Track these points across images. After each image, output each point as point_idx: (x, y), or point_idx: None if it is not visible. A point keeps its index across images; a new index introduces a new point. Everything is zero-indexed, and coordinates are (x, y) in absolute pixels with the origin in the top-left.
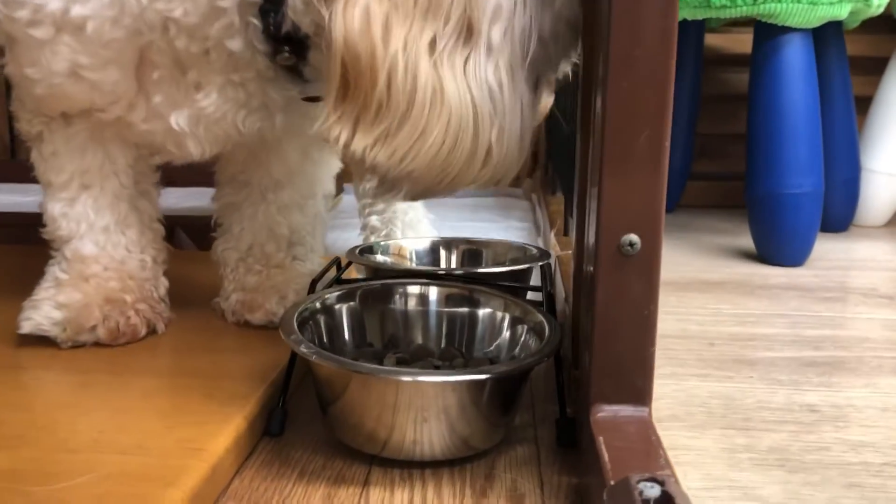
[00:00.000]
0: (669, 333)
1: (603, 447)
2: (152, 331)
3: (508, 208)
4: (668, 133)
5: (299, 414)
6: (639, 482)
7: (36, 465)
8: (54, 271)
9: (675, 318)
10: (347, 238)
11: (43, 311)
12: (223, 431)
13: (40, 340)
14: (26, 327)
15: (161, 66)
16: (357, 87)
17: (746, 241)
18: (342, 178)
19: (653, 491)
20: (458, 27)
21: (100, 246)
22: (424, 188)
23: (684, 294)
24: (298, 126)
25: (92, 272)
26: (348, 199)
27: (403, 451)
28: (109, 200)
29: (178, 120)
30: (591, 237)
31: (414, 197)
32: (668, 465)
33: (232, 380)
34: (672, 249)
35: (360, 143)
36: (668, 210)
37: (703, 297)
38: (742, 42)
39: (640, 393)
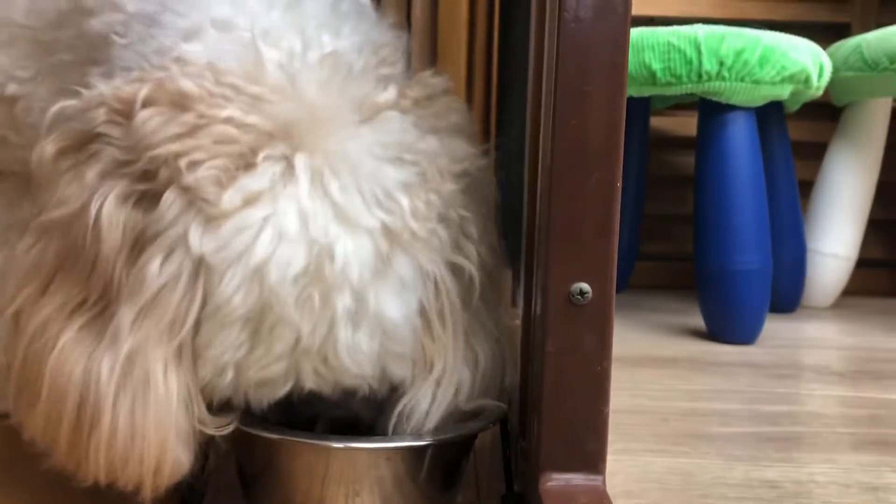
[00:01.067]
0: (622, 409)
1: None
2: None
3: None
4: (619, 174)
5: (219, 491)
6: None
7: None
8: None
9: (627, 393)
10: None
11: None
12: None
13: None
14: None
15: None
16: None
17: (697, 321)
18: None
19: None
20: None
21: None
22: None
23: (636, 370)
24: None
25: None
26: None
27: None
28: None
29: None
30: (538, 293)
31: None
32: None
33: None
34: (622, 327)
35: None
36: (617, 290)
37: (655, 372)
38: (687, 124)
39: (592, 459)
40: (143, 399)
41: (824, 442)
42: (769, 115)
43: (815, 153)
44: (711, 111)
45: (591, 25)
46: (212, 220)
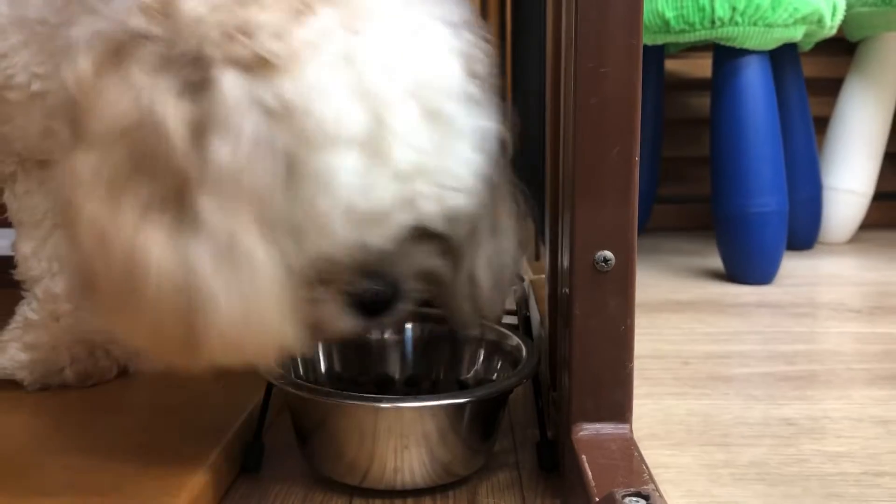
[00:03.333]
0: (643, 353)
1: (586, 465)
2: (124, 371)
3: None
4: (638, 148)
5: (276, 447)
6: (624, 497)
7: None
8: (24, 311)
9: (648, 338)
10: None
11: (9, 354)
12: (200, 469)
13: (6, 384)
14: None
15: None
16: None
17: (715, 262)
18: None
19: None
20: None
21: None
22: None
23: (656, 315)
24: None
25: (63, 311)
26: None
27: (384, 481)
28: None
29: None
30: (565, 257)
31: None
32: (651, 480)
33: (207, 415)
34: (642, 271)
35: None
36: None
37: (675, 317)
38: (701, 66)
39: (620, 409)
40: (249, 281)
41: (838, 379)
42: (783, 57)
43: (830, 89)
44: (725, 56)
45: (607, 8)
46: (281, 71)
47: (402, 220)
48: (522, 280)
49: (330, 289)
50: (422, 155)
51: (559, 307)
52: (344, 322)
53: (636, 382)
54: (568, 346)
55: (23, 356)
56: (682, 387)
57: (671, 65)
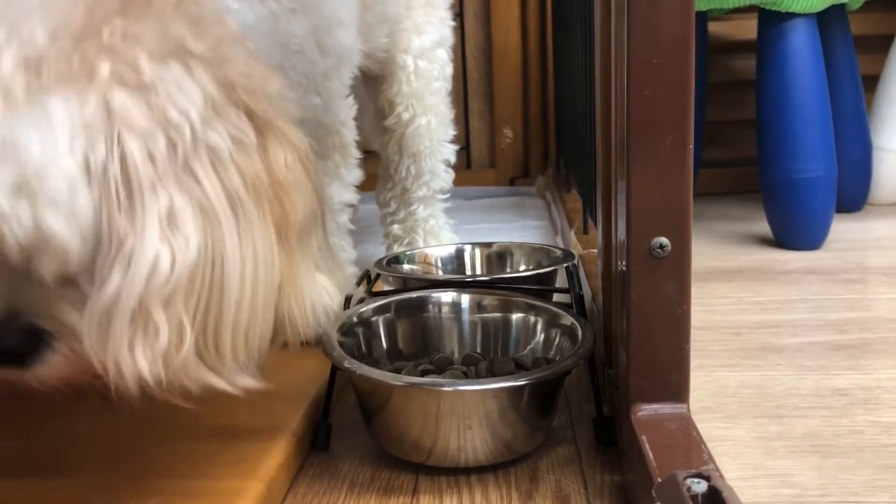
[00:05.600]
0: (694, 325)
1: (646, 445)
2: None
3: (522, 207)
4: (692, 136)
5: (342, 426)
6: (685, 478)
7: (100, 493)
8: None
9: (698, 308)
10: (371, 247)
11: None
12: (273, 449)
13: None
14: None
15: None
16: None
17: (762, 227)
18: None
19: (700, 486)
20: None
21: None
22: None
23: (705, 284)
24: None
25: None
26: (369, 209)
27: (448, 458)
28: None
29: None
30: (619, 238)
31: None
32: (711, 459)
33: (275, 397)
34: None
35: None
36: None
37: (724, 286)
38: (745, 28)
39: (677, 390)
40: None
41: (892, 347)
42: (830, 17)
43: (879, 46)
44: (771, 20)
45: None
46: None
47: None
48: (571, 256)
49: None
50: None
51: (614, 286)
52: None
53: None
54: (625, 328)
55: None
56: (733, 358)
57: (714, 27)
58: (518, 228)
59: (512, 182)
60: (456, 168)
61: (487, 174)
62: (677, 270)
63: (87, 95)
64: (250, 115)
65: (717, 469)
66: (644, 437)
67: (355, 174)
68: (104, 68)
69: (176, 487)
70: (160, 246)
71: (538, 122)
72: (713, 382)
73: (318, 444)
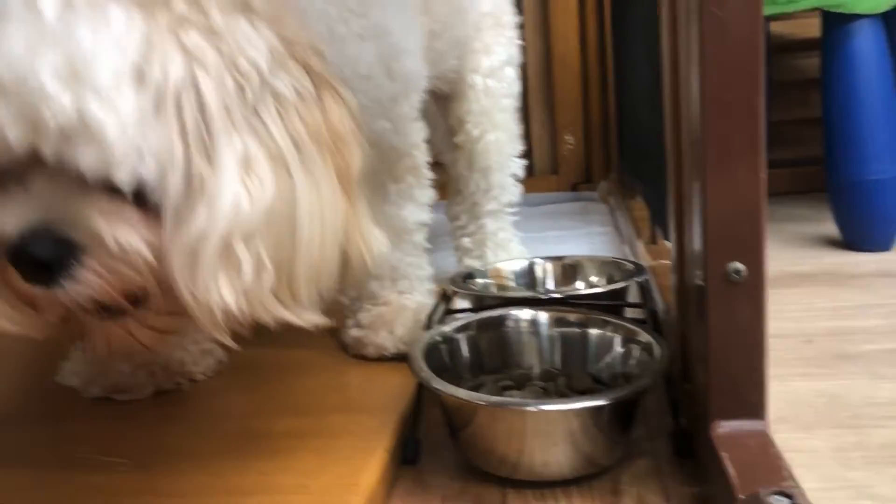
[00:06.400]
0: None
1: (728, 462)
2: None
3: (587, 213)
4: (764, 166)
5: (429, 439)
6: (769, 496)
7: None
8: None
9: (770, 316)
10: (443, 258)
11: (72, 363)
12: (370, 465)
13: (188, 393)
14: (59, 377)
15: None
16: None
17: (830, 228)
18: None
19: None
20: None
21: None
22: None
23: (776, 290)
24: (374, 175)
25: None
26: (439, 217)
27: (534, 472)
28: None
29: None
30: (694, 253)
31: None
32: (791, 476)
33: (366, 414)
34: None
35: None
36: None
37: (795, 291)
38: (808, 26)
39: (755, 408)
40: None
41: None
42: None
43: None
44: (835, 21)
45: (728, 38)
46: None
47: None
48: (643, 270)
49: None
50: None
51: (690, 302)
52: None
53: None
54: (705, 350)
55: (80, 366)
56: (807, 367)
57: (776, 26)
58: (584, 235)
59: (574, 188)
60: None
61: (550, 181)
62: (753, 294)
63: (158, 19)
64: (308, 70)
65: (798, 486)
66: (725, 454)
67: (428, 194)
68: (180, 5)
69: None
70: (240, 187)
71: (599, 127)
72: (788, 392)
73: (407, 458)
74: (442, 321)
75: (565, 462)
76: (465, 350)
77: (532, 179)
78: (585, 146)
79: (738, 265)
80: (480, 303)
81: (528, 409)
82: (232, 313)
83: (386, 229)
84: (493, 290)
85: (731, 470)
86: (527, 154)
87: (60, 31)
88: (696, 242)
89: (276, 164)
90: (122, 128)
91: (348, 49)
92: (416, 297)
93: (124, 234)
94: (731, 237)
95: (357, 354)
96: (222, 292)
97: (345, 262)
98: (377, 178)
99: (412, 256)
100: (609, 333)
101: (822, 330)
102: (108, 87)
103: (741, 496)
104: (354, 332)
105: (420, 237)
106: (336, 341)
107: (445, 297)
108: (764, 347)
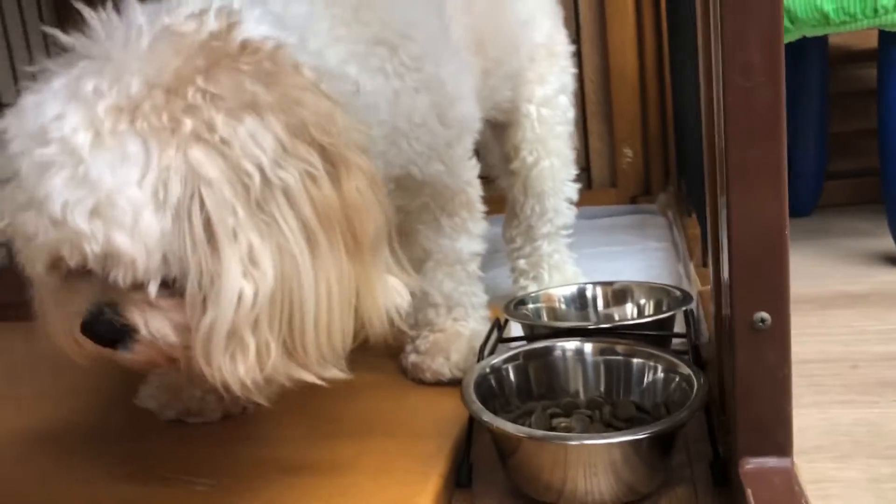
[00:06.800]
0: (810, 358)
1: (751, 499)
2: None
3: (644, 227)
4: (787, 224)
5: (480, 463)
6: None
7: None
8: None
9: (816, 339)
10: (498, 276)
11: (150, 387)
12: (426, 490)
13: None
14: (137, 400)
15: None
16: None
17: (888, 243)
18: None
19: None
20: None
21: None
22: None
23: (826, 311)
24: (424, 211)
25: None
26: (495, 232)
27: (577, 500)
28: None
29: None
30: (724, 290)
31: None
32: None
33: (423, 438)
34: (811, 258)
35: None
36: (806, 214)
37: (846, 313)
38: (867, 37)
39: (781, 446)
40: None
41: None
42: None
43: None
44: (891, 39)
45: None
46: None
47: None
48: (690, 298)
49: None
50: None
51: (725, 331)
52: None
53: (801, 391)
54: (732, 391)
55: (154, 390)
56: (849, 394)
57: (835, 38)
58: (639, 251)
59: (633, 200)
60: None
61: (609, 194)
62: (778, 341)
63: (168, 144)
64: (321, 150)
65: None
66: (749, 491)
67: (481, 227)
68: (187, 125)
69: None
70: (243, 282)
71: (658, 139)
72: (827, 420)
73: (461, 482)
74: (493, 350)
75: (607, 490)
76: (513, 379)
77: (591, 192)
78: (644, 159)
79: (764, 314)
80: (532, 331)
81: (571, 443)
82: (247, 385)
83: (440, 260)
84: (545, 316)
85: None
86: (585, 167)
87: (89, 174)
88: (725, 275)
89: (280, 253)
90: (144, 246)
91: (402, 101)
92: (471, 323)
93: (155, 322)
94: (757, 289)
95: (415, 378)
96: (236, 369)
97: (362, 320)
98: (430, 214)
99: (465, 285)
100: (652, 363)
101: (870, 355)
102: (129, 217)
103: None
104: (413, 358)
105: (474, 266)
106: (398, 365)
107: (498, 326)
108: (789, 390)
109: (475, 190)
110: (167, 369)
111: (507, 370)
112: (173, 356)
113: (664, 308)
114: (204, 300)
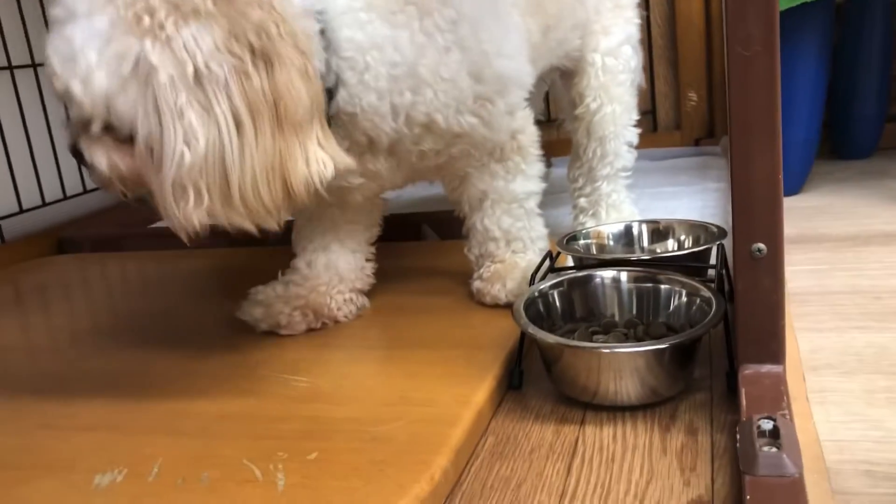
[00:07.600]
0: (839, 289)
1: (743, 396)
2: (324, 324)
3: (705, 168)
4: (781, 168)
5: (530, 372)
6: (759, 419)
7: (369, 415)
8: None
9: (847, 273)
10: (559, 214)
11: (247, 304)
12: (482, 388)
13: (335, 330)
14: (238, 313)
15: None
16: None
17: None
18: (550, 153)
19: (767, 425)
20: None
21: (305, 261)
22: None
23: (862, 248)
24: (469, 157)
25: (292, 280)
26: (558, 173)
27: (608, 399)
28: (326, 226)
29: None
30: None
31: None
32: (788, 407)
33: (482, 349)
34: (862, 199)
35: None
36: (865, 156)
37: (882, 250)
38: None
39: (774, 355)
40: None
41: None
42: None
43: None
44: None
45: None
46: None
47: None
48: (725, 233)
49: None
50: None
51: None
52: None
53: (826, 317)
54: (734, 310)
55: (251, 307)
56: (867, 321)
57: None
58: (698, 192)
59: (697, 143)
60: (642, 131)
61: (673, 136)
62: (772, 268)
63: (129, 33)
64: (254, 50)
65: (789, 414)
66: (744, 390)
67: (537, 168)
68: (145, 22)
69: (417, 413)
70: (183, 146)
71: (722, 84)
72: (841, 342)
73: (512, 384)
74: (544, 278)
75: (633, 392)
76: (558, 303)
77: (656, 135)
78: (708, 103)
79: (761, 245)
80: (581, 262)
81: (603, 351)
82: (195, 226)
83: (496, 200)
84: (593, 250)
85: (743, 401)
86: (651, 110)
87: (72, 35)
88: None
89: (213, 128)
90: (91, 98)
91: (428, 55)
92: (529, 255)
93: (97, 155)
94: (755, 224)
95: (479, 301)
96: (186, 213)
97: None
98: (478, 161)
99: (523, 221)
100: (678, 288)
101: (895, 287)
102: (83, 71)
103: (743, 419)
104: (477, 284)
105: (531, 204)
106: (466, 290)
107: (551, 257)
108: (782, 310)
109: (527, 136)
110: (261, 287)
111: (552, 295)
112: (125, 186)
113: (700, 243)
114: (151, 155)
